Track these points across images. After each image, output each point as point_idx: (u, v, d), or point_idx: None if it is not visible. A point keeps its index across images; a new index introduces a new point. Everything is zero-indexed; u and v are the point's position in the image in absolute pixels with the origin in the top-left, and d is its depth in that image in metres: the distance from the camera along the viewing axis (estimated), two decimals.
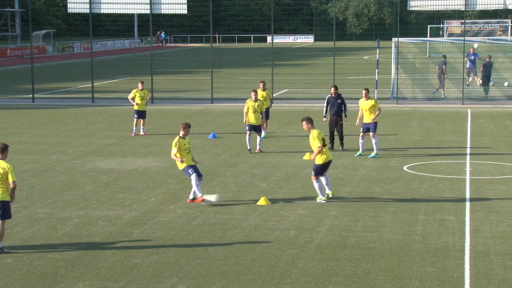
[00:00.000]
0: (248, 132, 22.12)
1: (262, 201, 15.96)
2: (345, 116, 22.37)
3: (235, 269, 11.86)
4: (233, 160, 21.11)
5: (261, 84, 25.23)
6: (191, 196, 16.28)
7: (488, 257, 12.35)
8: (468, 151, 22.32)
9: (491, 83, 37.13)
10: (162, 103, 35.32)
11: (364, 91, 21.23)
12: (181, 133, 16.39)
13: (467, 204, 15.91)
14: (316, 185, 16.13)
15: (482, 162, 20.49)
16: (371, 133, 21.09)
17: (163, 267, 11.97)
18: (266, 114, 24.65)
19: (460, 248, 12.80)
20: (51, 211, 15.47)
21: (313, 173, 16.15)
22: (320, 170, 16.09)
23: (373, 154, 21.10)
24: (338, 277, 11.47)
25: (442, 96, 36.89)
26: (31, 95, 36.77)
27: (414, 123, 28.67)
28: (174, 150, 16.20)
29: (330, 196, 16.26)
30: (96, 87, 38.44)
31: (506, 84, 36.88)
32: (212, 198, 15.92)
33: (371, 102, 21.11)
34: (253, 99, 22.12)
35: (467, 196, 16.65)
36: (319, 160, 16.01)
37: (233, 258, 12.35)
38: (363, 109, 21.25)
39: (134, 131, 25.80)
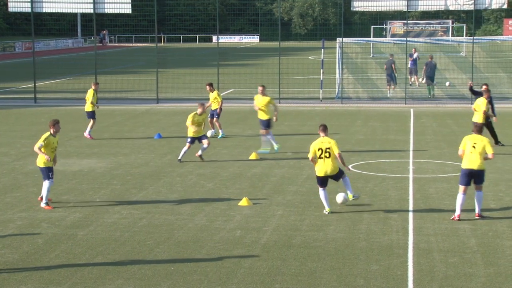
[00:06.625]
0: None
1: (244, 202, 15.86)
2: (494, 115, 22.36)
3: (182, 269, 11.81)
4: None
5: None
6: (45, 201, 15.68)
7: (430, 254, 12.56)
8: (411, 150, 22.67)
9: (434, 83, 37.75)
10: (107, 103, 34.91)
11: None
12: (52, 130, 16.04)
13: (410, 202, 16.16)
14: (321, 194, 15.23)
15: (424, 161, 20.84)
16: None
17: (108, 269, 11.85)
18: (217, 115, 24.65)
19: (403, 246, 12.99)
20: None
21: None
22: (319, 181, 15.26)
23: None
24: (284, 276, 11.53)
25: (388, 96, 37.34)
26: None
27: (358, 122, 28.97)
28: (40, 144, 15.72)
29: (350, 199, 15.35)
30: (39, 87, 37.81)
31: (447, 84, 37.57)
32: (339, 199, 15.38)
33: None
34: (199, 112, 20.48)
35: (410, 194, 16.90)
36: (317, 171, 15.20)
37: (180, 259, 12.30)
38: None
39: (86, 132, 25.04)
